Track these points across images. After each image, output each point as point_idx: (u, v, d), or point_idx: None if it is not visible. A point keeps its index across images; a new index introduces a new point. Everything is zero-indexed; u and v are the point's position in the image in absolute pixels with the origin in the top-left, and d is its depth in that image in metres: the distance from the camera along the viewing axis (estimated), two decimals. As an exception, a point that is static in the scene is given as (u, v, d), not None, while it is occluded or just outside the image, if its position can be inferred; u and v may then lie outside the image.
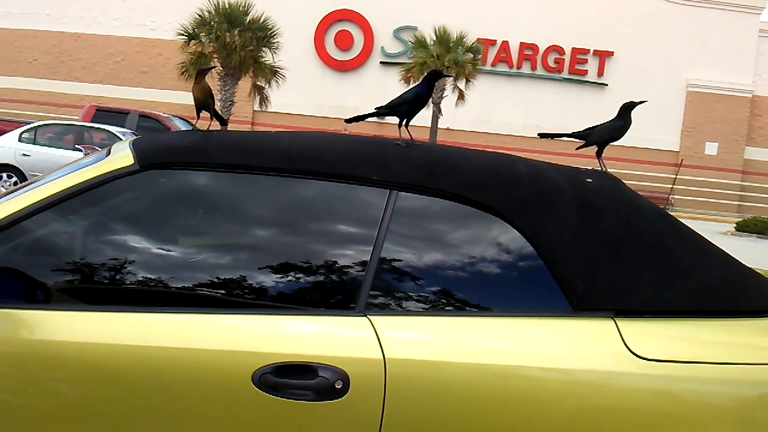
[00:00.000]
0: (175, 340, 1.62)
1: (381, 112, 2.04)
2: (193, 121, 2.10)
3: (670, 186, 25.94)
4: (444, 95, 22.40)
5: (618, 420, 1.60)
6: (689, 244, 1.83)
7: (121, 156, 1.85)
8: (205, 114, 2.11)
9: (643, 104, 2.12)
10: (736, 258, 1.88)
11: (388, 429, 1.58)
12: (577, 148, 2.18)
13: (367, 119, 2.13)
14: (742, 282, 1.82)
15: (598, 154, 2.10)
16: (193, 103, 2.08)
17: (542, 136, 2.24)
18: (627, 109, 2.08)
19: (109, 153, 1.94)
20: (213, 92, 2.13)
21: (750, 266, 1.93)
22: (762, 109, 27.32)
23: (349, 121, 2.20)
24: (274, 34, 19.96)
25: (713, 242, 1.89)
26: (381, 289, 1.72)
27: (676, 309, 1.72)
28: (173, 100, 25.04)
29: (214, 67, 2.18)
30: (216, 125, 2.12)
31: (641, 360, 1.62)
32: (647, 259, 1.76)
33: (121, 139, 2.22)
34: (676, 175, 26.36)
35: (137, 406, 1.60)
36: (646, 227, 1.83)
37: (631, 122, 2.06)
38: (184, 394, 1.59)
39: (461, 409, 1.60)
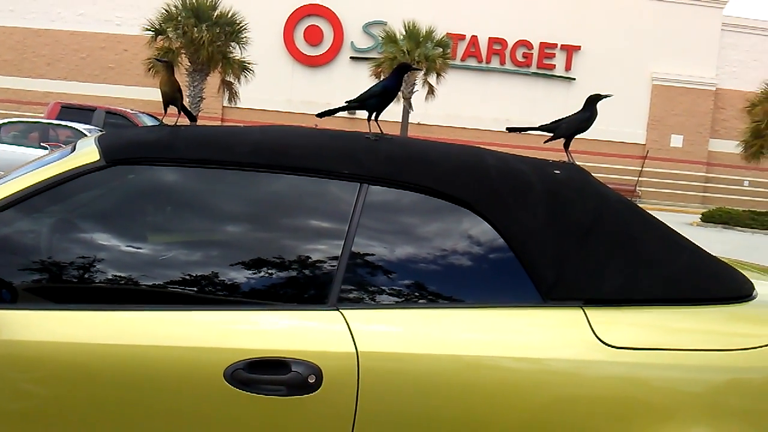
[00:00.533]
0: (146, 338, 1.61)
1: (351, 106, 2.04)
2: (161, 117, 2.07)
3: (637, 178, 26.36)
4: (414, 90, 22.43)
5: (588, 408, 1.62)
6: (656, 234, 1.87)
7: (87, 152, 1.82)
8: (172, 110, 2.09)
9: (609, 98, 2.15)
10: (703, 248, 1.91)
11: (363, 422, 1.59)
12: (545, 141, 2.20)
13: (338, 113, 2.12)
14: (709, 270, 1.85)
15: (566, 147, 2.12)
16: (161, 99, 2.05)
17: (511, 130, 2.26)
18: (592, 101, 2.11)
19: (74, 149, 1.91)
20: (181, 87, 2.10)
21: (716, 255, 1.97)
22: (725, 102, 27.88)
23: (320, 115, 2.20)
24: (243, 29, 19.77)
25: (698, 244, 1.92)
26: (353, 283, 1.72)
27: (644, 297, 1.75)
28: (140, 96, 24.66)
29: (168, 60, 2.11)
30: (184, 121, 2.10)
31: (610, 348, 1.65)
32: (615, 249, 1.79)
33: (87, 136, 2.17)
34: (642, 167, 26.80)
35: (108, 404, 1.58)
36: (614, 217, 1.86)
37: (596, 114, 2.09)
38: (156, 391, 1.58)
39: (435, 401, 1.61)
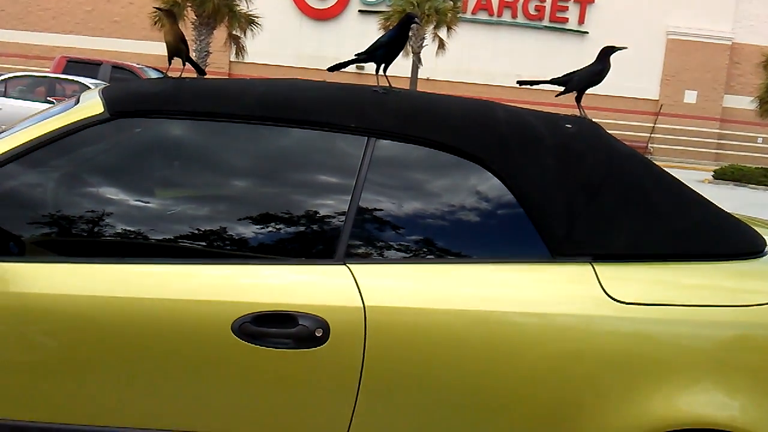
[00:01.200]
0: (154, 291, 1.61)
1: (360, 58, 2.00)
2: (165, 71, 2.03)
3: (649, 135, 26.08)
4: (424, 45, 22.09)
5: (596, 363, 1.62)
6: (667, 189, 1.84)
7: (91, 104, 1.79)
8: (178, 63, 2.05)
9: (623, 50, 2.10)
10: (714, 203, 1.88)
11: (369, 375, 1.60)
12: (557, 95, 2.15)
13: (347, 68, 2.08)
14: (720, 225, 1.83)
15: (578, 100, 2.08)
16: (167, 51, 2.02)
17: (521, 83, 2.22)
18: (606, 53, 2.05)
19: (78, 102, 1.89)
20: (186, 39, 2.06)
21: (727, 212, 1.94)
22: (741, 57, 27.33)
23: (330, 69, 2.16)
24: (249, -19, 19.42)
25: (710, 200, 1.89)
26: (360, 238, 1.71)
27: (654, 252, 1.73)
28: (147, 50, 24.42)
29: (170, 9, 2.07)
30: (190, 73, 2.06)
31: (618, 303, 1.64)
32: (625, 204, 1.76)
33: (90, 89, 2.14)
34: (655, 123, 26.48)
35: (116, 357, 1.60)
36: (625, 172, 1.83)
37: (609, 67, 2.04)
38: (164, 344, 1.59)
39: (441, 356, 1.61)
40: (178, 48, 1.99)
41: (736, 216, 2.06)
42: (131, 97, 1.85)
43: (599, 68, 2.03)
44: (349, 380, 1.60)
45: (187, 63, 2.03)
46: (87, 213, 1.75)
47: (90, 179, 1.84)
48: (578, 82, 2.05)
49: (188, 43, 2.06)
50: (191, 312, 1.60)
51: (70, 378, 1.60)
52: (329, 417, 1.62)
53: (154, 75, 15.65)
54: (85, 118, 1.74)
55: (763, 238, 1.87)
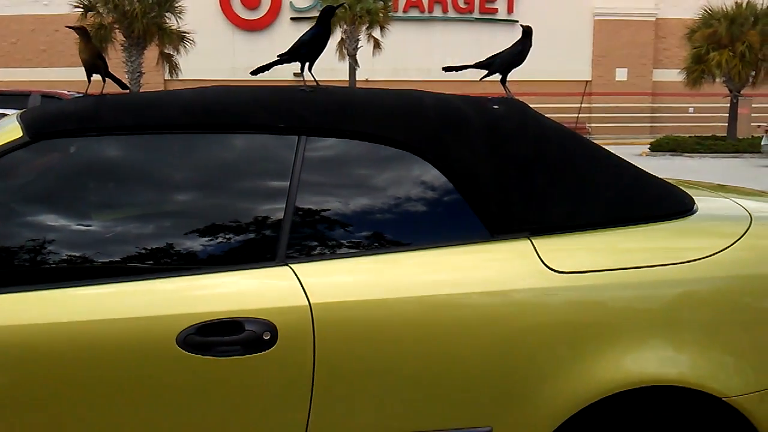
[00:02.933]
0: (94, 313, 1.57)
1: (283, 59, 1.98)
2: (85, 90, 1.98)
3: (584, 114, 26.70)
4: (359, 46, 22.14)
5: (546, 335, 1.65)
6: (596, 159, 1.88)
7: (9, 130, 1.74)
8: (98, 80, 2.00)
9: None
10: (642, 168, 1.94)
11: (323, 373, 1.59)
12: (482, 78, 2.19)
13: (270, 69, 2.06)
14: (648, 189, 1.88)
15: (503, 82, 2.11)
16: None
17: (447, 69, 2.24)
18: (526, 34, 2.09)
19: None
20: (102, 54, 2.01)
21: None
22: (666, 31, 28.24)
23: (253, 72, 2.14)
24: (176, -1, 19.15)
25: (636, 165, 1.94)
26: (300, 237, 1.70)
27: (589, 221, 1.77)
28: (77, 77, 23.79)
29: (80, 26, 2.03)
30: (113, 90, 2.02)
31: (558, 274, 1.67)
32: (557, 178, 1.80)
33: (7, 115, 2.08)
34: (581, 102, 27.16)
35: (62, 383, 1.55)
36: (554, 147, 1.86)
37: (530, 46, 2.08)
38: (110, 365, 1.55)
39: (393, 345, 1.62)
40: (95, 64, 1.95)
41: (672, 181, 2.13)
42: (50, 118, 1.80)
43: (519, 49, 2.07)
44: (302, 380, 1.59)
45: (107, 79, 1.99)
46: (16, 240, 1.69)
47: (16, 206, 1.79)
48: (500, 64, 2.09)
49: (120, 64, 2.02)
50: (133, 330, 1.56)
51: (12, 412, 1.54)
52: (285, 420, 1.61)
53: (86, 101, 15.25)
54: (3, 144, 1.68)
55: (691, 198, 1.93)
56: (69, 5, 19.22)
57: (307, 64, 1.97)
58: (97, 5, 18.25)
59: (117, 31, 18.28)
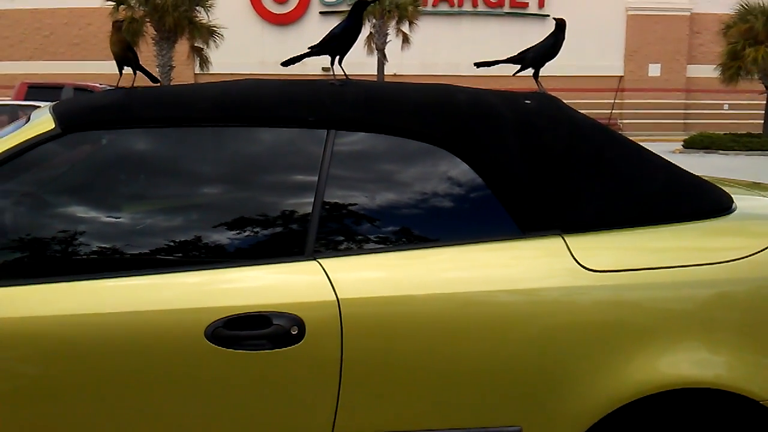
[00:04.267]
0: (124, 306, 1.58)
1: (313, 51, 1.97)
2: (116, 83, 1.99)
3: (611, 111, 26.35)
4: (388, 40, 22.10)
5: (578, 334, 1.62)
6: (630, 155, 1.84)
7: (42, 121, 1.76)
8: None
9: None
10: (678, 165, 1.89)
11: (350, 368, 1.58)
12: (515, 73, 2.15)
13: (301, 60, 2.05)
14: (685, 187, 1.84)
15: (535, 76, 2.08)
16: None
17: (479, 65, 2.21)
18: (559, 27, 2.06)
19: (28, 120, 1.85)
20: (134, 47, 2.02)
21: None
22: (701, 26, 27.67)
23: (284, 64, 2.14)
24: (207, -7, 19.30)
25: (673, 162, 1.90)
26: (328, 232, 1.69)
27: (623, 219, 1.73)
28: (108, 70, 24.03)
29: (123, 20, 2.07)
30: (144, 83, 2.03)
31: (592, 272, 1.64)
32: (590, 174, 1.76)
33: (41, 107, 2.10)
34: (615, 98, 26.78)
35: (92, 375, 1.56)
36: (587, 142, 1.83)
37: (563, 39, 2.04)
38: (139, 358, 1.56)
39: (421, 342, 1.60)
40: (125, 57, 1.96)
41: (707, 178, 2.07)
42: (82, 111, 1.82)
43: (551, 42, 2.03)
44: (329, 375, 1.58)
45: (138, 72, 2.00)
46: (47, 232, 1.71)
47: (48, 197, 1.81)
48: (533, 58, 2.05)
49: (151, 58, 2.03)
50: (162, 322, 1.57)
51: (46, 402, 1.56)
52: (313, 414, 1.60)
53: (118, 94, 15.45)
54: (36, 135, 1.70)
55: (729, 196, 1.88)
56: (101, -1, 19.49)
57: (338, 57, 1.96)
58: (129, -1, 18.46)
59: (148, 24, 18.47)
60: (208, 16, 19.28)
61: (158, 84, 2.10)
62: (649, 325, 1.64)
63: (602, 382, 1.61)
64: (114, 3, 18.43)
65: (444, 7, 27.39)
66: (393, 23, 21.98)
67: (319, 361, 1.58)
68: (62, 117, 1.75)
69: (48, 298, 1.58)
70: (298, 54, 2.01)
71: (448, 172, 1.76)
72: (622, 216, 1.74)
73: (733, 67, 21.16)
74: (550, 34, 2.05)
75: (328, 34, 1.97)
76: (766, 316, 1.67)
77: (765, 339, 1.66)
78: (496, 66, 2.13)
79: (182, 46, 19.80)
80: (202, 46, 19.52)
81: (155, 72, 18.63)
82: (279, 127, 1.78)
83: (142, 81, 2.01)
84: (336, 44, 1.94)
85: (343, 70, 1.94)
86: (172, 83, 18.93)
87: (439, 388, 1.61)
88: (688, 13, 27.86)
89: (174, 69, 19.74)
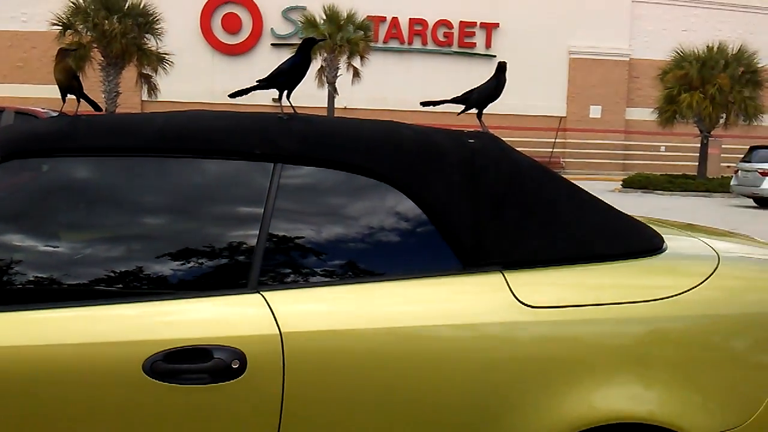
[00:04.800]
0: (60, 337, 1.54)
1: (261, 85, 1.99)
2: (59, 109, 1.96)
3: (559, 150, 27.12)
4: (339, 74, 22.31)
5: (517, 369, 1.65)
6: (568, 195, 1.91)
7: None
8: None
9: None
10: (613, 206, 1.97)
11: (291, 403, 1.57)
12: (459, 113, 2.21)
13: (248, 94, 2.07)
14: (620, 226, 1.91)
15: (479, 116, 2.14)
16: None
17: (425, 104, 2.27)
18: (500, 69, 2.13)
19: None
20: (78, 74, 2.00)
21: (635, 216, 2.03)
22: (639, 71, 28.92)
23: (231, 95, 2.15)
24: (157, 20, 19.21)
25: (603, 199, 1.98)
26: (273, 265, 1.69)
27: (561, 257, 1.79)
28: (51, 94, 23.53)
29: (76, 49, 2.05)
30: (87, 110, 2.01)
31: (530, 308, 1.68)
32: (529, 212, 1.82)
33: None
34: (555, 138, 27.60)
35: (26, 409, 1.51)
36: (527, 182, 1.89)
37: (505, 81, 2.11)
38: (75, 391, 1.52)
39: (364, 376, 1.61)
40: (70, 85, 1.94)
41: (643, 219, 2.16)
42: (24, 138, 1.78)
43: (494, 84, 2.10)
44: (270, 410, 1.57)
45: (81, 100, 1.98)
46: None
47: None
48: (476, 99, 2.12)
49: (97, 84, 2.02)
50: (99, 355, 1.53)
51: None
52: None
53: (61, 119, 15.08)
54: None
55: (660, 236, 1.96)
56: (47, 22, 19.15)
57: (285, 92, 1.98)
58: (76, 24, 18.20)
59: (95, 50, 18.20)
60: (157, 44, 19.13)
61: (101, 111, 2.08)
62: (585, 360, 1.68)
63: (540, 415, 1.64)
64: (61, 27, 18.12)
65: (394, 44, 27.89)
66: (344, 57, 22.24)
67: (260, 396, 1.57)
68: (3, 144, 1.71)
69: None
70: (246, 87, 2.03)
71: (394, 208, 1.79)
72: (560, 253, 1.79)
73: (670, 111, 22.11)
74: (492, 76, 2.12)
75: (276, 69, 2.00)
76: (698, 353, 1.74)
77: (696, 376, 1.72)
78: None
79: (130, 73, 19.57)
80: (150, 73, 19.31)
81: (101, 98, 18.32)
82: (225, 159, 1.78)
83: (86, 108, 1.99)
84: (284, 79, 1.96)
85: (291, 104, 1.97)
86: (118, 110, 18.63)
87: (380, 422, 1.61)
88: (627, 58, 29.11)
89: (120, 95, 19.45)
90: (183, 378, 1.53)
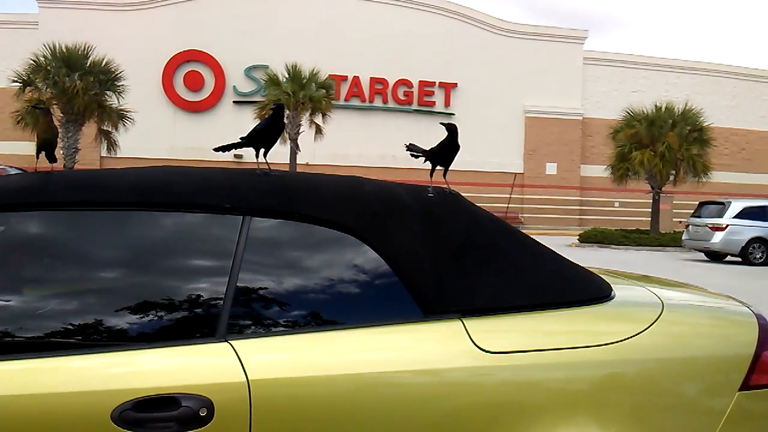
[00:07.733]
0: (29, 388, 1.55)
1: (242, 142, 2.09)
2: (28, 168, 1.99)
3: (517, 205, 27.65)
4: (301, 131, 22.56)
5: (473, 412, 1.71)
6: (522, 246, 2.01)
7: None
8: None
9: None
10: (564, 256, 2.08)
11: None
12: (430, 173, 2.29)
13: (231, 150, 2.17)
14: (570, 275, 2.02)
15: (431, 173, 2.23)
16: (36, 145, 2.01)
17: (409, 148, 2.29)
18: (451, 132, 2.18)
19: None
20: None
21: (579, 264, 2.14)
22: (592, 130, 29.94)
23: (216, 149, 2.24)
24: (119, 77, 19.27)
25: (560, 254, 2.09)
26: (241, 314, 1.74)
27: (516, 304, 1.88)
28: (9, 150, 23.26)
29: (44, 105, 2.11)
30: (46, 165, 2.04)
31: (488, 354, 1.75)
32: (486, 262, 1.92)
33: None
34: (511, 193, 28.20)
35: None
36: (484, 234, 1.99)
37: (457, 142, 2.18)
38: None
39: (328, 422, 1.65)
40: (52, 143, 1.99)
41: (596, 270, 2.27)
42: None
43: (447, 146, 2.17)
44: None
45: (41, 153, 2.03)
46: None
47: None
48: (431, 157, 2.20)
49: (56, 140, 2.06)
50: (68, 405, 1.54)
51: None
52: None
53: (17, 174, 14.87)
54: None
55: (608, 284, 2.07)
56: (7, 79, 19.04)
57: (262, 150, 2.07)
58: (37, 81, 18.14)
59: (55, 106, 18.11)
60: (119, 101, 19.14)
61: (55, 163, 2.10)
62: (543, 403, 1.75)
63: None
64: (20, 84, 18.04)
65: (356, 102, 28.42)
66: (307, 114, 22.55)
67: None
68: None
69: None
70: (229, 143, 2.13)
71: (357, 259, 1.86)
72: (516, 301, 1.88)
73: (622, 168, 22.83)
74: (445, 138, 2.21)
75: (252, 130, 2.11)
76: (649, 397, 1.82)
77: (649, 419, 1.79)
78: (404, 156, 2.26)
79: (89, 129, 19.47)
80: (110, 130, 19.25)
81: (59, 154, 18.13)
82: (195, 213, 1.84)
83: (44, 164, 2.03)
84: (258, 140, 2.07)
85: (266, 161, 2.05)
86: (76, 166, 18.44)
87: None
88: (580, 117, 30.14)
89: (79, 152, 19.29)
90: (151, 427, 1.55)
